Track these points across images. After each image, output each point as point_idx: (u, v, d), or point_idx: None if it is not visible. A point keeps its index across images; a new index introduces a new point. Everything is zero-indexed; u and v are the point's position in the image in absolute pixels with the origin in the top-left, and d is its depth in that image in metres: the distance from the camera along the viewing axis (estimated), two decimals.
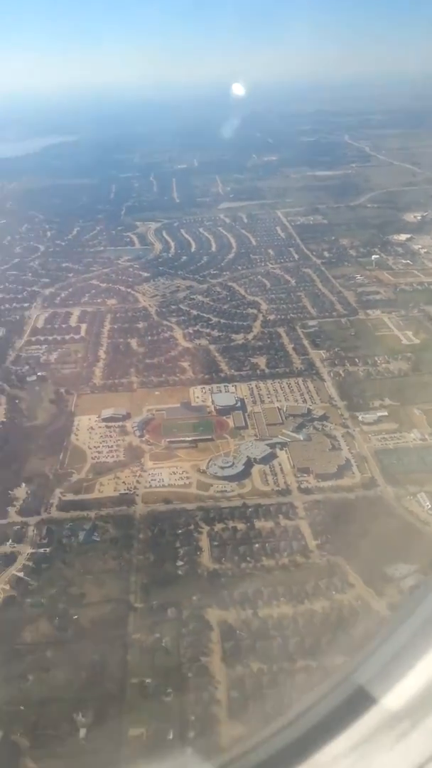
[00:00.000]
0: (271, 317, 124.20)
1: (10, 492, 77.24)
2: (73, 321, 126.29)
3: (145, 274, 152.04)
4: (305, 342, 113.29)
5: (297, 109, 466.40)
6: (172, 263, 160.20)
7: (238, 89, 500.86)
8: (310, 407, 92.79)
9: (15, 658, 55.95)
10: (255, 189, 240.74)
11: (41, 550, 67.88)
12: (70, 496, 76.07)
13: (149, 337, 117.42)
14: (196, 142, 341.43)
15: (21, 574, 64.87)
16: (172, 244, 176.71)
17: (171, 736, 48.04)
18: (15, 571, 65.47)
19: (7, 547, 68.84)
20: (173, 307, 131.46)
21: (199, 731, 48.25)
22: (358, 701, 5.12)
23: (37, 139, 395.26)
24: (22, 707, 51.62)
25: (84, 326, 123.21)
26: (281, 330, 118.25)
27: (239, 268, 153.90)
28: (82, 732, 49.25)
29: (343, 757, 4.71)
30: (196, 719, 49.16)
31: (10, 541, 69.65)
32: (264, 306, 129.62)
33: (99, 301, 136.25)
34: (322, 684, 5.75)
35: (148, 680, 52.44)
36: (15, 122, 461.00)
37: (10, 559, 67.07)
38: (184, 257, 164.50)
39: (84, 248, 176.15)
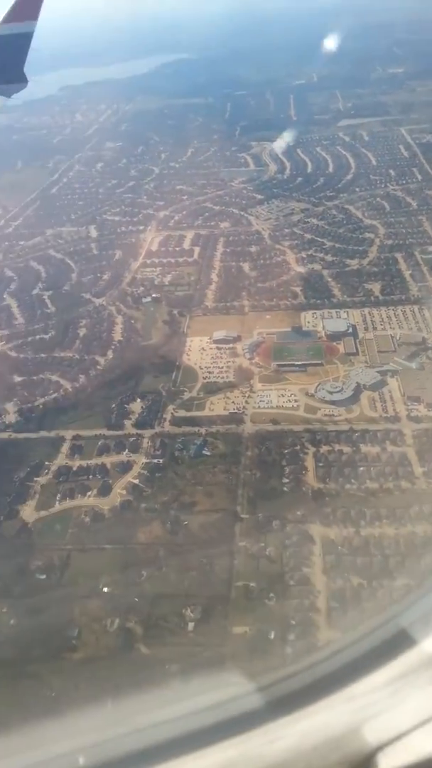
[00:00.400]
0: (389, 242, 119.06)
1: (126, 406, 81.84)
2: (186, 244, 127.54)
3: (259, 197, 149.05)
4: (424, 269, 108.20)
5: (428, 16, 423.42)
6: (286, 185, 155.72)
7: None
8: (426, 336, 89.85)
9: (130, 555, 61.17)
10: (378, 104, 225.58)
11: (155, 461, 72.15)
12: (182, 413, 79.60)
13: (262, 261, 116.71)
14: (316, 56, 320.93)
15: (136, 481, 69.60)
16: (288, 164, 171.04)
17: (272, 636, 51.41)
18: (131, 478, 70.31)
19: (124, 456, 73.73)
20: (287, 230, 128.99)
21: (299, 634, 51.20)
22: (399, 641, 5.48)
23: (151, 57, 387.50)
24: (136, 599, 56.77)
25: (197, 249, 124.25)
26: (399, 255, 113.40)
27: (357, 189, 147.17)
28: (191, 626, 53.58)
29: (378, 691, 5.07)
30: (296, 623, 52.04)
31: (127, 450, 74.41)
32: (382, 230, 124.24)
33: (212, 224, 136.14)
34: (365, 623, 6.14)
35: (252, 584, 55.82)
36: (127, 40, 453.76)
37: (127, 467, 71.92)
38: (300, 178, 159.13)
39: (198, 170, 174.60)
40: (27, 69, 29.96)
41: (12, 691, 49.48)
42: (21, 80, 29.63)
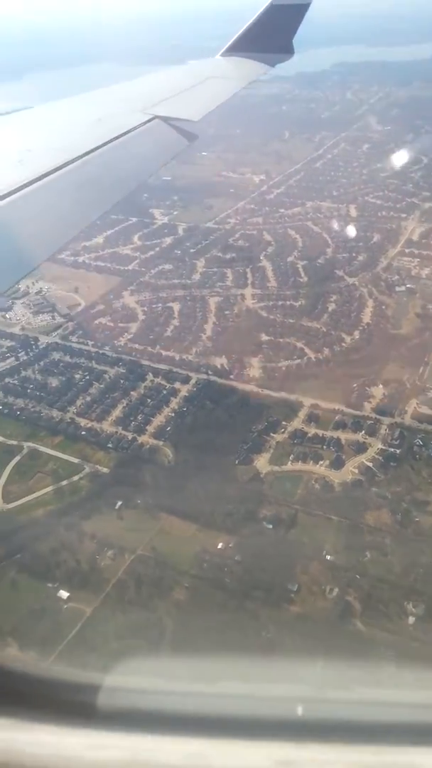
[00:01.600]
0: None
1: (367, 389, 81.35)
2: None
3: None
4: None
5: None
6: None
7: None
8: None
9: (356, 533, 61.44)
10: None
11: (391, 450, 71.14)
12: (425, 409, 77.18)
13: None
14: None
15: (370, 464, 69.33)
16: None
17: None
18: (365, 459, 70.13)
19: (360, 437, 73.57)
20: None
21: None
22: None
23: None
24: (358, 576, 57.11)
25: None
26: None
27: None
28: (411, 620, 52.74)
29: None
30: None
31: (363, 432, 74.17)
32: None
33: None
34: None
35: None
36: (414, 25, 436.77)
37: (362, 448, 71.75)
38: None
39: None
40: (301, 43, 29.63)
41: (232, 620, 52.85)
42: (288, 51, 29.37)
